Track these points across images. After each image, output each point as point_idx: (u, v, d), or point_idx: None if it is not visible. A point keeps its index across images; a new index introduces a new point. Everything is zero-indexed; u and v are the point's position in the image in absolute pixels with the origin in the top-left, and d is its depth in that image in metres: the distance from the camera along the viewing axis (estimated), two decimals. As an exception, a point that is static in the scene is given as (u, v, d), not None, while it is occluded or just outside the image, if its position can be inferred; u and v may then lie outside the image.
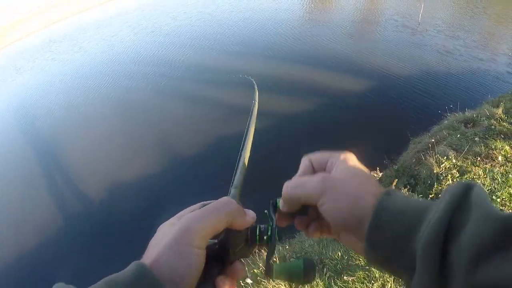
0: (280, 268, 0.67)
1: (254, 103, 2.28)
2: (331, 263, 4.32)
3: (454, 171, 5.08)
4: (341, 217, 0.62)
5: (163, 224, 0.65)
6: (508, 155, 5.41)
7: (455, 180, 4.94)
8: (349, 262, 4.26)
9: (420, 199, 0.69)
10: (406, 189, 5.08)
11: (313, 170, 0.73)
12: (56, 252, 8.12)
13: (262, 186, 6.68)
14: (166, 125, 11.06)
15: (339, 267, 4.23)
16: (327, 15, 17.45)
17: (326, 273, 4.16)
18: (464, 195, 0.52)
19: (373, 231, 0.58)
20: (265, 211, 0.73)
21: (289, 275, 0.67)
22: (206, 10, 24.00)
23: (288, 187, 0.69)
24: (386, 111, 8.50)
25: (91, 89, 16.09)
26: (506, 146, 5.59)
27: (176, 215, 0.66)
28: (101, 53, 21.51)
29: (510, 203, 4.51)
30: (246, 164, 1.11)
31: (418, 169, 5.51)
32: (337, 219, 0.62)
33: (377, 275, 3.93)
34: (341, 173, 0.66)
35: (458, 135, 6.05)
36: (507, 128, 6.17)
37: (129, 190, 8.89)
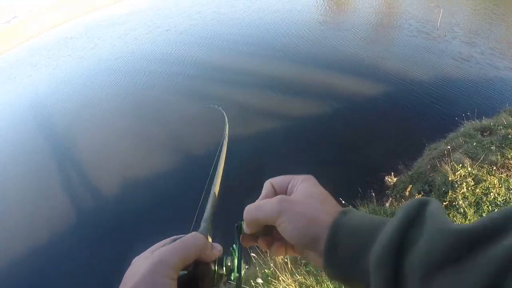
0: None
1: (225, 137, 2.27)
2: None
3: (469, 179, 5.06)
4: (298, 236, 0.64)
5: (137, 257, 0.68)
6: (525, 166, 5.37)
7: (470, 188, 4.92)
8: None
9: (376, 216, 0.64)
10: (420, 195, 5.06)
11: (275, 193, 0.75)
12: (67, 246, 8.23)
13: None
14: (179, 125, 11.12)
15: None
16: (343, 18, 17.39)
17: None
18: (418, 210, 0.54)
19: (329, 249, 0.60)
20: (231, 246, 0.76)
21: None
22: (220, 10, 24.04)
23: (248, 210, 0.72)
24: (402, 116, 8.45)
25: (105, 86, 16.30)
26: None
27: (149, 249, 0.70)
28: (116, 51, 21.71)
29: None
30: (217, 197, 1.11)
31: (433, 176, 5.49)
32: (294, 238, 0.65)
33: None
34: (299, 195, 0.69)
35: (474, 143, 6.00)
36: None
37: (140, 187, 8.95)
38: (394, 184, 5.88)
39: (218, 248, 0.72)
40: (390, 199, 5.29)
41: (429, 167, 5.75)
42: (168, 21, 24.65)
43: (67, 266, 7.70)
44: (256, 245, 0.80)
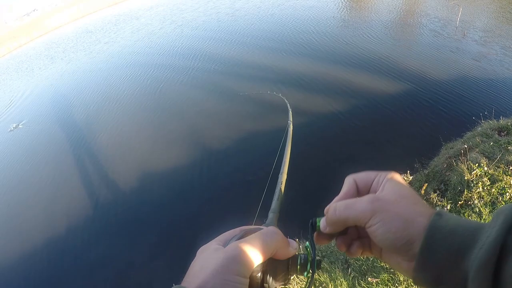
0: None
1: (289, 124, 2.26)
2: (356, 263, 4.36)
3: (485, 179, 5.06)
4: (391, 238, 0.62)
5: (203, 247, 0.66)
6: (541, 166, 5.35)
7: (485, 188, 4.92)
8: (374, 264, 4.30)
9: (470, 220, 0.67)
10: (435, 194, 5.09)
11: (357, 189, 0.73)
12: (84, 237, 8.35)
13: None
14: (199, 119, 11.22)
15: (364, 268, 4.26)
16: (362, 16, 17.33)
17: (350, 273, 4.20)
18: None
19: (425, 252, 0.58)
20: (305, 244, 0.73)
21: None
22: (235, 5, 24.10)
23: (336, 209, 0.69)
24: (419, 114, 8.44)
25: (125, 79, 16.49)
26: None
27: (216, 238, 0.68)
28: (134, 44, 21.99)
29: None
30: (283, 188, 1.10)
31: (449, 174, 5.50)
32: (386, 240, 0.62)
33: (401, 279, 3.97)
34: (390, 194, 0.66)
35: (491, 143, 5.98)
36: None
37: (159, 181, 9.06)
38: (410, 182, 5.90)
39: (294, 246, 0.70)
40: None
41: (445, 166, 5.76)
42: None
43: (85, 257, 7.81)
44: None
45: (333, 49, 13.63)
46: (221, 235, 0.69)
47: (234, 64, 14.66)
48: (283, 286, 0.70)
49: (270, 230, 0.67)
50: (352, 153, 7.84)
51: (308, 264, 0.69)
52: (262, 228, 0.70)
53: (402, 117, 8.55)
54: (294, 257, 0.69)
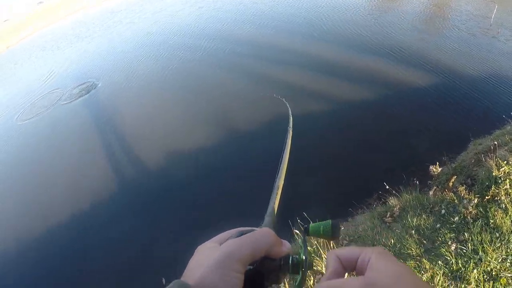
0: (314, 227, 0.77)
1: (289, 130, 2.25)
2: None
3: (513, 176, 5.13)
4: None
5: (201, 246, 0.70)
6: None
7: (513, 185, 4.99)
8: (401, 250, 4.41)
9: None
10: (463, 187, 5.16)
11: (343, 268, 0.67)
12: (108, 214, 8.61)
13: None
14: (225, 100, 11.38)
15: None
16: (393, 6, 17.11)
17: None
18: None
19: None
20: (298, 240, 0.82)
21: (320, 232, 0.77)
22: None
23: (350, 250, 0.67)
24: (448, 110, 8.42)
25: (153, 58, 16.63)
26: None
27: (213, 238, 0.72)
28: (163, 25, 22.09)
29: None
30: (280, 191, 1.11)
31: (476, 170, 5.56)
32: None
33: (427, 266, 4.07)
34: (384, 277, 0.58)
35: (521, 142, 6.03)
36: None
37: (184, 160, 9.26)
38: (438, 175, 5.98)
39: (287, 246, 0.71)
40: (434, 187, 5.41)
41: (473, 161, 5.81)
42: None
43: (108, 234, 8.07)
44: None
45: (363, 38, 13.55)
46: (218, 235, 0.73)
47: (263, 49, 14.65)
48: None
49: (264, 230, 0.70)
50: (381, 146, 7.93)
51: (300, 265, 0.70)
52: (257, 229, 0.74)
53: (431, 110, 8.55)
54: (286, 257, 0.71)
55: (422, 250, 4.40)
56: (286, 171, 1.27)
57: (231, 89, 11.88)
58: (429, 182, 5.97)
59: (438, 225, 4.66)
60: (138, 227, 7.95)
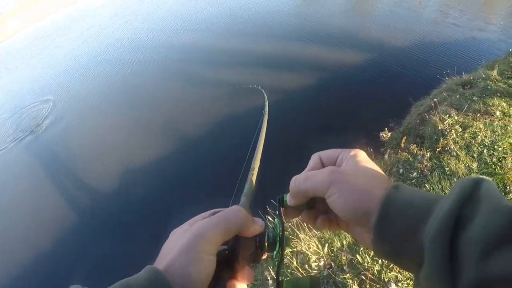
0: (288, 285, 0.68)
1: (264, 114, 2.27)
2: None
3: (457, 126, 5.39)
4: (349, 209, 0.62)
5: (175, 229, 0.68)
6: (505, 110, 5.71)
7: (459, 134, 5.25)
8: None
9: (428, 192, 0.66)
10: (414, 145, 5.40)
11: (323, 166, 0.73)
12: (72, 247, 8.14)
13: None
14: (174, 111, 11.12)
15: None
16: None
17: None
18: (473, 188, 0.52)
19: (381, 223, 0.58)
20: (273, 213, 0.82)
21: None
22: None
23: (296, 180, 0.70)
24: (388, 80, 8.78)
25: (93, 77, 16.03)
26: (503, 103, 5.90)
27: (188, 221, 0.69)
28: (93, 44, 21.34)
29: (511, 150, 4.79)
30: (256, 173, 1.12)
31: (423, 128, 5.81)
32: (344, 211, 0.63)
33: None
34: (351, 167, 0.67)
35: (457, 96, 6.34)
36: (502, 87, 6.45)
37: (141, 177, 8.91)
38: (388, 140, 6.21)
39: (259, 223, 0.70)
40: (388, 150, 5.60)
41: (418, 121, 6.08)
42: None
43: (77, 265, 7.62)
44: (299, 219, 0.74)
45: (296, 25, 13.86)
46: (192, 219, 0.70)
47: (206, 52, 14.47)
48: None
49: (233, 208, 0.68)
50: (328, 124, 8.12)
51: (277, 241, 0.69)
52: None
53: (371, 85, 8.87)
54: (262, 235, 0.69)
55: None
56: (261, 153, 1.28)
57: (179, 97, 11.71)
58: (382, 149, 6.16)
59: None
60: (103, 255, 7.58)
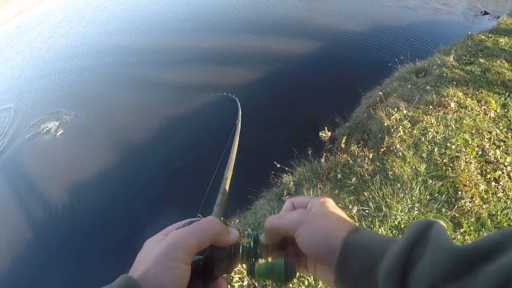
0: (262, 268, 0.71)
1: (237, 124, 2.36)
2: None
3: (406, 122, 4.89)
4: (314, 247, 0.66)
5: (150, 239, 0.67)
6: (461, 101, 5.24)
7: (407, 131, 4.73)
8: None
9: (385, 236, 0.67)
10: (356, 146, 4.84)
11: (294, 209, 0.78)
12: (28, 267, 7.52)
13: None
14: (136, 120, 10.21)
15: None
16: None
17: None
18: (424, 230, 0.55)
19: (341, 263, 0.61)
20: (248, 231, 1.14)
21: (270, 275, 0.71)
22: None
23: (270, 219, 0.75)
24: (337, 69, 8.22)
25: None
26: (459, 92, 5.45)
27: (162, 231, 0.69)
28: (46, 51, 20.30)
29: (465, 148, 4.34)
30: (229, 183, 1.13)
31: (370, 124, 5.28)
32: (310, 249, 0.67)
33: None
34: (319, 211, 0.72)
35: (409, 86, 5.86)
36: (459, 74, 6.03)
37: (92, 189, 8.32)
38: (331, 138, 5.65)
39: (235, 233, 0.71)
40: (324, 154, 5.03)
41: (365, 115, 5.55)
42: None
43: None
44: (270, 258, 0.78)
45: (241, 17, 13.23)
46: (166, 228, 0.71)
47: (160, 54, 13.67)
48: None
49: (209, 218, 0.69)
50: (272, 119, 7.49)
51: (250, 252, 0.72)
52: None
53: (319, 75, 8.27)
54: (236, 246, 0.71)
55: (324, 220, 3.98)
56: (234, 163, 1.31)
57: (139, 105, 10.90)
58: (323, 150, 5.60)
59: (337, 191, 4.27)
60: (60, 273, 7.00)
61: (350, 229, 0.65)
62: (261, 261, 0.76)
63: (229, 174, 1.19)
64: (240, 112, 2.91)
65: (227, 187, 1.10)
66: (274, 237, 0.74)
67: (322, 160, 4.85)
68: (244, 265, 0.72)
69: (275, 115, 7.68)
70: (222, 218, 0.91)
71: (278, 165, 4.99)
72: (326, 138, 5.48)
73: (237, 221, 4.67)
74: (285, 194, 4.74)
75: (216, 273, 0.67)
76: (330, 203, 0.75)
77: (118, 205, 7.56)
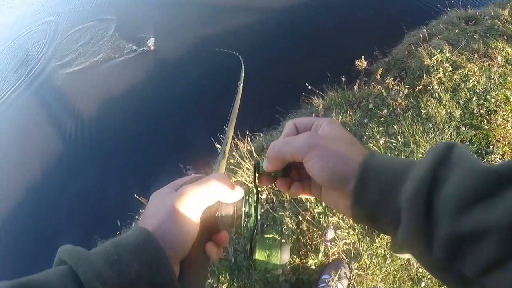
0: (260, 248, 0.84)
1: (241, 80, 2.31)
2: None
3: (447, 64, 4.67)
4: (327, 173, 0.63)
5: (157, 192, 0.72)
6: (509, 57, 4.97)
7: (447, 74, 4.53)
8: None
9: (404, 159, 0.69)
10: (391, 79, 4.67)
11: (298, 133, 0.74)
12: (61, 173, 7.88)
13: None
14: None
15: None
16: None
17: None
18: (447, 152, 0.53)
19: (360, 186, 0.59)
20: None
21: (267, 257, 0.87)
22: None
23: (275, 145, 0.71)
24: (382, 4, 7.79)
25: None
26: (508, 48, 5.13)
27: (169, 184, 0.74)
28: None
29: (505, 105, 4.17)
30: (230, 139, 1.16)
31: (409, 62, 5.08)
32: (322, 175, 0.63)
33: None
34: (328, 133, 0.69)
35: (456, 31, 5.54)
36: (511, 30, 5.69)
37: (151, 129, 7.99)
38: (367, 71, 5.48)
39: (241, 191, 0.73)
40: (358, 81, 4.88)
41: (406, 53, 5.32)
42: None
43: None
44: (274, 185, 0.78)
45: None
46: (173, 182, 0.75)
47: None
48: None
49: (219, 175, 0.71)
50: (309, 46, 7.25)
51: (252, 208, 0.74)
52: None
53: (365, 8, 7.86)
54: (240, 201, 0.73)
55: (350, 145, 3.92)
56: (236, 122, 1.31)
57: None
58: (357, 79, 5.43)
59: (366, 120, 4.20)
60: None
61: (366, 153, 0.63)
62: (259, 240, 0.77)
63: (230, 132, 1.19)
64: (242, 74, 2.70)
65: (228, 147, 1.10)
66: (279, 164, 0.72)
67: (355, 87, 4.71)
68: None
69: (311, 44, 7.40)
70: (224, 170, 0.90)
71: (310, 87, 4.86)
72: (362, 68, 5.29)
73: (261, 136, 4.70)
74: (313, 116, 4.66)
75: (220, 226, 0.71)
76: (337, 123, 0.72)
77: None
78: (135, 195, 3.99)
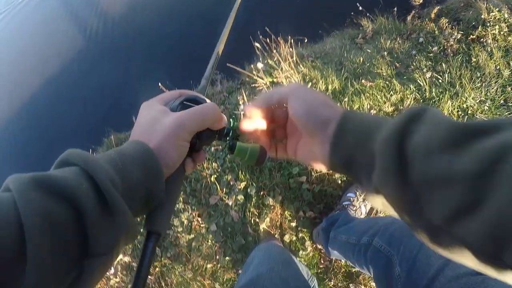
0: (240, 148, 0.83)
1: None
2: (351, 66, 3.97)
3: (504, 25, 4.46)
4: (310, 116, 0.71)
5: (147, 104, 0.79)
6: None
7: (502, 33, 4.36)
8: (370, 69, 3.95)
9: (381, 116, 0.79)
10: (445, 20, 4.49)
11: (263, 112, 0.83)
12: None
13: None
14: None
15: (358, 71, 3.89)
16: None
17: (343, 74, 3.82)
18: (421, 112, 0.57)
19: (339, 134, 0.67)
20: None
21: (245, 155, 0.83)
22: None
23: (266, 91, 0.88)
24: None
25: None
26: None
27: (157, 97, 0.81)
28: None
29: None
30: (219, 57, 1.11)
31: (464, 14, 4.87)
32: (305, 118, 0.71)
33: (397, 88, 3.57)
34: (310, 90, 0.76)
35: (517, -3, 5.34)
36: None
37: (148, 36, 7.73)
38: (418, 9, 5.24)
39: (225, 120, 0.82)
40: (413, 12, 4.70)
41: (462, 5, 5.09)
42: None
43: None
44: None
45: None
46: (161, 95, 0.82)
47: None
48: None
49: (211, 106, 0.76)
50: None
51: (229, 135, 0.84)
52: (198, 95, 0.84)
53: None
54: (222, 129, 0.83)
55: (394, 72, 3.87)
56: (227, 37, 1.19)
57: None
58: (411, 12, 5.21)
59: (414, 52, 4.07)
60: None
61: (345, 108, 0.71)
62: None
63: (220, 47, 1.13)
64: None
65: (215, 61, 1.08)
66: (268, 103, 0.79)
67: (409, 18, 4.53)
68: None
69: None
70: (205, 91, 0.97)
71: (360, 8, 4.66)
72: (417, 3, 5.06)
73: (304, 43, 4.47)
74: (359, 37, 4.51)
75: (199, 146, 0.79)
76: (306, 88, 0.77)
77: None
78: (159, 84, 3.90)
